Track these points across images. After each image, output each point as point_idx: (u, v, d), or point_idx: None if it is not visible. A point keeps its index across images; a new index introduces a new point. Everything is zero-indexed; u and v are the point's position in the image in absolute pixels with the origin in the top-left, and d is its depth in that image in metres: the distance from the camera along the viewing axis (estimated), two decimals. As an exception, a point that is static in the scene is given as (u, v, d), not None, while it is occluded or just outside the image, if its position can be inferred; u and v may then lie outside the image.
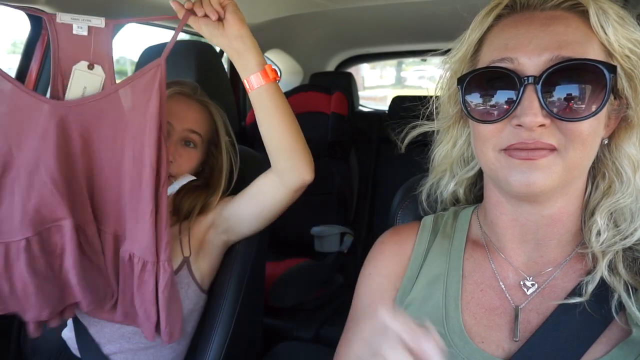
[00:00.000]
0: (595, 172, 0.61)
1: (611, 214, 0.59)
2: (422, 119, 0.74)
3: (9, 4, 1.09)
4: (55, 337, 1.10)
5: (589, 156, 0.56)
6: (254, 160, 1.29)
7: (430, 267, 0.68)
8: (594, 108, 0.52)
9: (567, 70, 0.52)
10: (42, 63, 1.37)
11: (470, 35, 0.61)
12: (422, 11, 2.00)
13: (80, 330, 1.04)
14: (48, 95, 0.87)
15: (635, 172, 0.58)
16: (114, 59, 0.88)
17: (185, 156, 1.05)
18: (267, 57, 2.72)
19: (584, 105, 0.52)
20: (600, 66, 0.52)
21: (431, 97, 0.71)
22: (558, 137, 0.53)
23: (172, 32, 0.90)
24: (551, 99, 0.52)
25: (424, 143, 0.77)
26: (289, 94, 2.43)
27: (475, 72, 0.58)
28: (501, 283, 0.63)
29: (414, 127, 0.75)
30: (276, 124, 0.92)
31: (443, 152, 0.73)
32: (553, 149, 0.53)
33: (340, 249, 2.15)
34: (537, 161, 0.53)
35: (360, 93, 2.95)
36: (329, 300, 1.89)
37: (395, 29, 2.43)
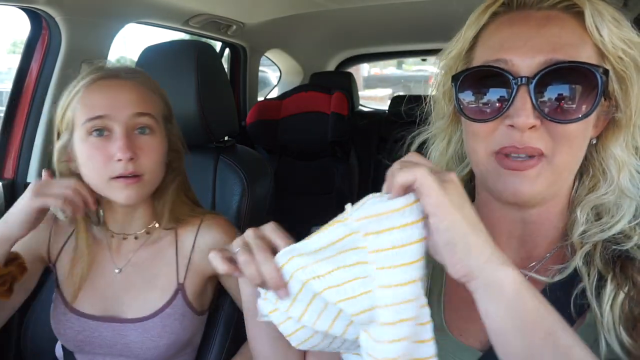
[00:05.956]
0: (582, 169, 0.61)
1: (592, 208, 0.59)
2: (419, 120, 0.73)
3: (9, 3, 1.09)
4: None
5: (576, 158, 0.57)
6: (254, 161, 1.29)
7: None
8: (584, 110, 0.52)
9: (559, 72, 0.52)
10: (42, 63, 1.37)
11: (466, 32, 0.61)
12: (422, 11, 2.00)
13: (67, 355, 0.98)
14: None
15: (620, 172, 0.58)
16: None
17: (146, 147, 0.87)
18: (267, 57, 2.72)
19: (574, 107, 0.52)
20: (593, 69, 0.52)
21: (430, 97, 0.71)
22: (546, 141, 0.53)
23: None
24: (543, 100, 0.53)
25: (424, 142, 0.77)
26: (289, 94, 2.44)
27: (469, 70, 0.58)
28: None
29: (414, 136, 0.74)
30: None
31: (439, 150, 0.73)
32: (541, 155, 0.54)
33: (341, 249, 2.14)
34: (525, 172, 0.54)
35: (360, 93, 2.95)
36: (329, 300, 1.89)
37: (395, 29, 2.43)
